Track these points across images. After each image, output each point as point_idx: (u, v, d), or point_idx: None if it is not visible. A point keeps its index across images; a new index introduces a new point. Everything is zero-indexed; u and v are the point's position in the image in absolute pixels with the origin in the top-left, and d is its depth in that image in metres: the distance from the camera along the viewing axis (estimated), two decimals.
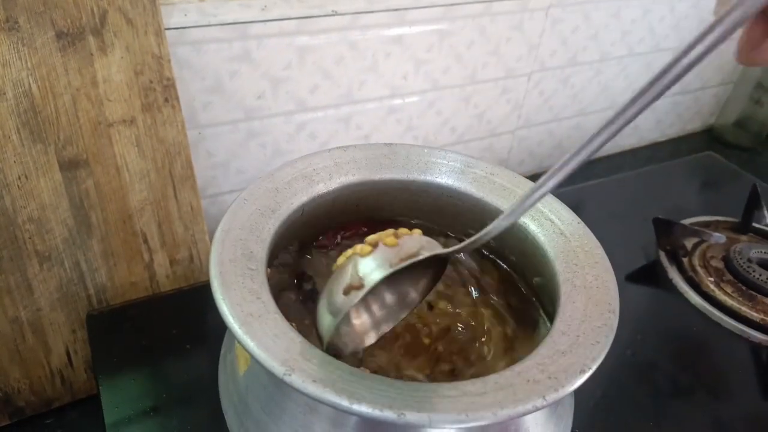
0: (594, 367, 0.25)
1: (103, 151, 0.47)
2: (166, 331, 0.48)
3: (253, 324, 0.25)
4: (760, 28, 0.26)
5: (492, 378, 0.25)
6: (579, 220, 0.34)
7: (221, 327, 0.37)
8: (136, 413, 0.41)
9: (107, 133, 0.47)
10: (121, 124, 0.47)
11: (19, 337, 0.47)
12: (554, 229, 0.34)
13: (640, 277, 0.58)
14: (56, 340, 0.49)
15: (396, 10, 0.58)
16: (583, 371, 0.25)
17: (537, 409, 0.23)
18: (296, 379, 0.23)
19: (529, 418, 0.29)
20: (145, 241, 0.51)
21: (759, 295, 0.54)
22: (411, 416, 0.22)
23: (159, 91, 0.48)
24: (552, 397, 0.24)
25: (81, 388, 0.51)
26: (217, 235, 0.30)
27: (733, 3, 0.22)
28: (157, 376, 0.44)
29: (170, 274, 0.53)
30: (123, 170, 0.48)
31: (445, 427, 0.25)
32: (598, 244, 0.33)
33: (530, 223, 0.35)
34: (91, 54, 0.44)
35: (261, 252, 0.30)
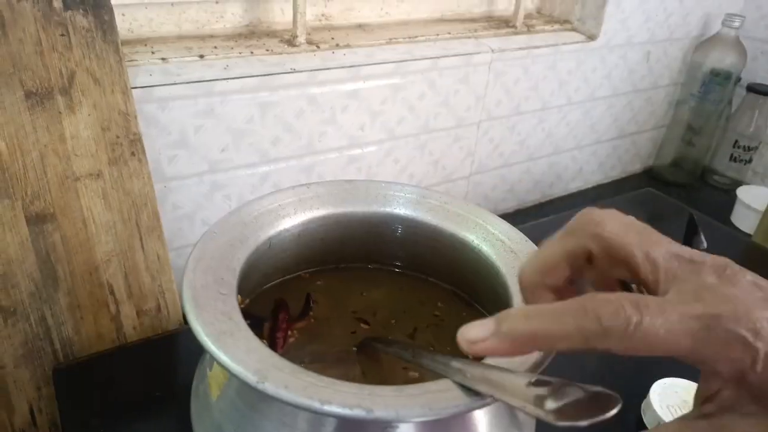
0: (547, 361, 0.27)
1: (70, 204, 0.48)
2: (134, 381, 0.48)
3: (226, 340, 0.27)
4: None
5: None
6: (526, 238, 0.37)
7: (191, 372, 0.38)
8: None
9: (74, 186, 0.48)
10: (88, 177, 0.49)
11: None
12: (504, 248, 0.36)
13: None
14: (20, 398, 0.48)
15: (350, 66, 0.63)
16: (536, 366, 0.27)
17: (496, 401, 0.25)
18: (270, 386, 0.25)
19: (491, 423, 0.30)
20: (112, 292, 0.51)
21: None
22: (379, 412, 0.24)
23: (125, 145, 0.50)
24: None
25: None
26: (189, 263, 0.31)
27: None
28: (128, 428, 0.44)
29: (137, 325, 0.53)
30: (89, 222, 0.49)
31: (412, 421, 0.27)
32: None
33: (483, 245, 0.37)
34: (60, 112, 0.46)
35: (231, 279, 0.32)
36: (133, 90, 0.49)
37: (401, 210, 0.40)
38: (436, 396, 0.25)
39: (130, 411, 0.45)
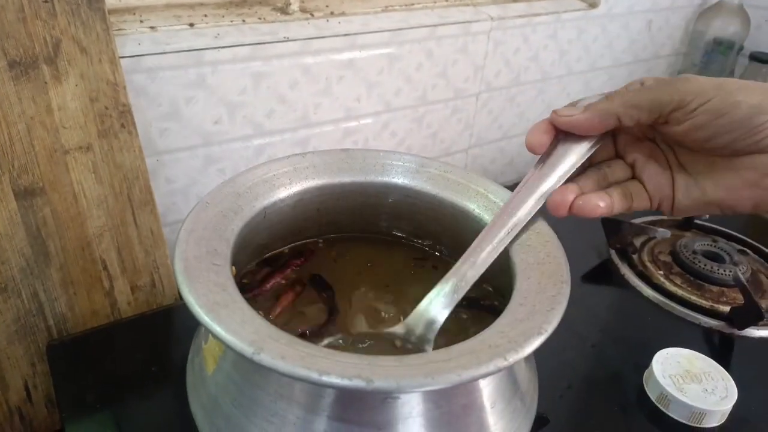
0: (550, 330, 0.26)
1: (59, 178, 0.47)
2: (129, 356, 0.47)
3: (220, 312, 0.26)
4: (592, 180, 0.34)
5: (456, 347, 0.26)
6: None
7: (187, 347, 0.37)
8: None
9: (63, 160, 0.47)
10: (78, 150, 0.47)
11: None
12: None
13: (595, 276, 0.60)
14: (14, 375, 0.48)
15: (345, 35, 0.61)
16: (540, 333, 0.26)
17: (499, 370, 0.24)
18: (266, 357, 0.24)
19: (494, 391, 0.30)
20: (105, 268, 0.50)
21: (706, 284, 0.57)
22: (379, 382, 0.23)
23: (115, 117, 0.48)
24: (513, 357, 0.25)
25: (41, 424, 0.50)
26: (181, 234, 0.30)
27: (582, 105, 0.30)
28: (124, 404, 0.43)
29: (132, 300, 0.52)
30: (80, 197, 0.48)
31: (413, 391, 0.26)
32: (548, 226, 0.34)
33: (484, 214, 0.36)
34: (45, 82, 0.45)
35: (225, 250, 0.31)
36: (121, 60, 0.48)
37: (399, 179, 0.39)
38: (438, 366, 0.24)
39: (125, 386, 0.44)
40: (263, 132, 0.61)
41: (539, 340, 0.26)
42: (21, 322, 0.47)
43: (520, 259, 0.32)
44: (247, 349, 0.24)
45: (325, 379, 0.23)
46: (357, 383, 0.23)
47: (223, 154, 0.60)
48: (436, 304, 0.31)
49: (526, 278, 0.31)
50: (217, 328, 0.25)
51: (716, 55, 0.93)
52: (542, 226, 0.34)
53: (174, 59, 0.52)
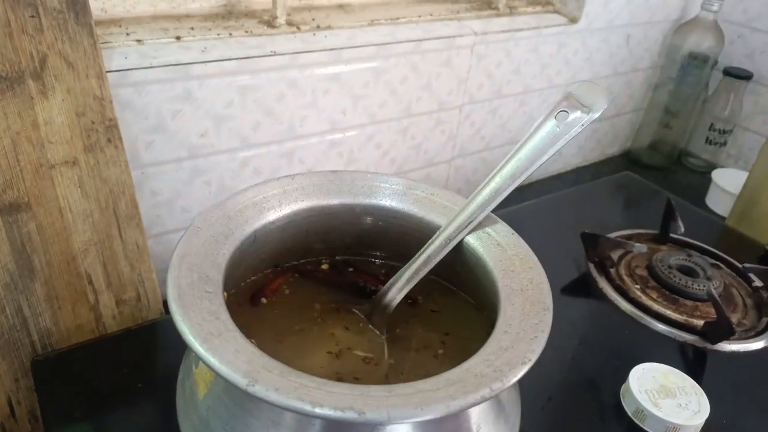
0: (534, 359, 0.28)
1: (45, 193, 0.47)
2: (115, 372, 0.47)
3: (213, 341, 0.26)
4: None
5: (443, 376, 0.27)
6: (513, 231, 0.37)
7: (173, 362, 0.37)
8: None
9: (49, 175, 0.47)
10: (64, 165, 0.47)
11: None
12: (491, 241, 0.37)
13: (574, 289, 0.62)
14: None
15: (332, 49, 0.61)
16: (524, 363, 0.27)
17: (485, 399, 0.25)
18: (260, 389, 0.24)
19: (479, 415, 0.31)
20: (90, 282, 0.50)
21: (681, 298, 0.59)
22: (371, 414, 0.24)
23: (101, 131, 0.48)
24: (498, 387, 0.26)
25: None
26: (173, 260, 0.30)
27: None
28: (110, 420, 0.43)
29: (117, 315, 0.52)
30: (66, 211, 0.48)
31: (403, 422, 0.27)
32: (531, 251, 0.36)
33: (470, 238, 0.37)
34: (32, 97, 0.45)
35: (217, 276, 0.31)
36: (108, 74, 0.48)
37: (387, 201, 0.40)
38: (428, 396, 0.25)
39: (111, 403, 0.44)
40: (249, 144, 0.61)
41: (523, 370, 0.27)
42: (5, 337, 0.47)
43: (504, 285, 0.33)
44: (241, 381, 0.25)
45: (318, 411, 0.24)
46: (349, 415, 0.24)
47: (209, 166, 0.60)
48: (394, 289, 0.38)
49: (510, 304, 0.32)
50: (212, 360, 0.25)
51: (692, 69, 0.95)
52: (524, 250, 0.36)
53: (161, 73, 0.53)
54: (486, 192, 0.36)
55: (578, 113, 0.34)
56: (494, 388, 0.26)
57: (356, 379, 0.34)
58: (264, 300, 0.38)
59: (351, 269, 0.42)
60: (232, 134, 0.60)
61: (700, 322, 0.56)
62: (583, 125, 0.34)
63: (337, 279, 0.41)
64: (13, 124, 0.44)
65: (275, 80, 0.59)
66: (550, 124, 0.34)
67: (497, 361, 0.27)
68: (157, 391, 0.45)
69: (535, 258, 0.35)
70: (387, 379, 0.34)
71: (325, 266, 0.42)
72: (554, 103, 0.36)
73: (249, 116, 0.60)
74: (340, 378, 0.34)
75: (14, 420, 0.49)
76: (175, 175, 0.58)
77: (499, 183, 0.36)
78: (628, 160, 1.07)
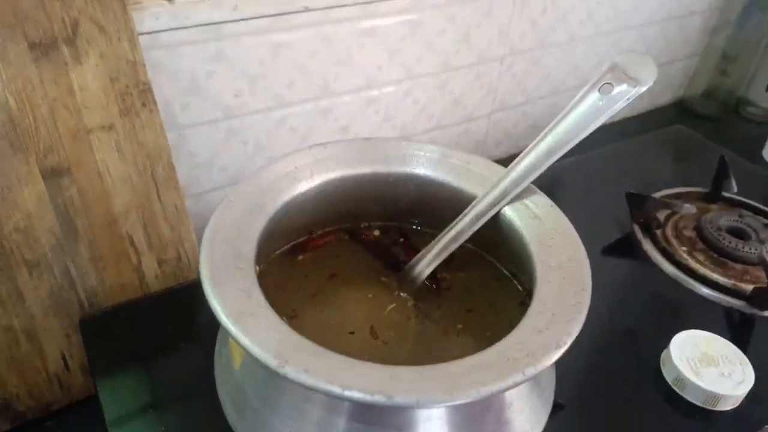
0: (569, 343, 0.27)
1: (84, 158, 0.47)
2: (159, 330, 0.49)
3: (246, 320, 0.27)
4: None
5: (474, 358, 0.27)
6: (552, 203, 0.36)
7: (214, 323, 0.38)
8: (136, 410, 0.43)
9: (87, 140, 0.47)
10: (100, 130, 0.48)
11: (14, 345, 0.48)
12: (529, 213, 0.35)
13: (616, 250, 0.60)
14: (51, 345, 0.50)
15: (366, 3, 0.59)
16: (558, 347, 0.27)
17: (517, 385, 0.25)
18: (290, 371, 0.25)
19: (512, 392, 0.30)
20: (132, 243, 0.52)
21: (730, 262, 0.57)
22: (400, 398, 0.24)
23: (135, 95, 0.48)
24: (530, 372, 0.25)
25: (79, 390, 0.52)
26: (206, 236, 0.31)
27: None
28: (154, 374, 0.45)
29: (159, 274, 0.54)
30: (105, 176, 0.49)
31: (432, 407, 0.27)
32: (571, 225, 0.34)
33: (506, 209, 0.36)
34: (66, 63, 0.45)
35: (249, 251, 0.31)
36: (140, 36, 0.47)
37: (421, 170, 0.39)
38: (458, 380, 0.25)
39: (156, 357, 0.46)
40: (284, 103, 0.61)
41: (557, 354, 0.26)
42: (54, 296, 0.49)
43: (540, 260, 0.32)
44: (272, 362, 0.25)
45: (347, 393, 0.24)
46: (378, 399, 0.24)
47: (245, 126, 0.60)
48: (422, 263, 0.38)
49: (546, 282, 0.31)
50: (244, 340, 0.26)
51: (753, 11, 0.88)
52: (564, 224, 0.34)
53: (193, 34, 0.52)
54: (520, 168, 0.35)
55: (624, 86, 0.32)
56: (527, 374, 0.25)
57: (385, 344, 0.34)
58: (304, 255, 0.39)
59: (402, 240, 0.42)
60: (267, 93, 0.59)
61: (749, 287, 0.54)
62: (628, 99, 0.31)
63: (384, 245, 0.41)
64: (50, 91, 0.44)
65: (308, 36, 0.58)
66: (593, 98, 0.32)
67: (530, 344, 0.27)
68: (197, 348, 0.47)
69: (575, 232, 0.34)
70: (416, 347, 0.35)
71: (376, 232, 0.42)
72: (603, 53, 0.33)
73: (283, 74, 0.59)
74: (373, 333, 0.34)
75: (68, 372, 0.51)
76: (212, 136, 0.58)
77: (534, 159, 0.34)
78: (680, 109, 1.01)
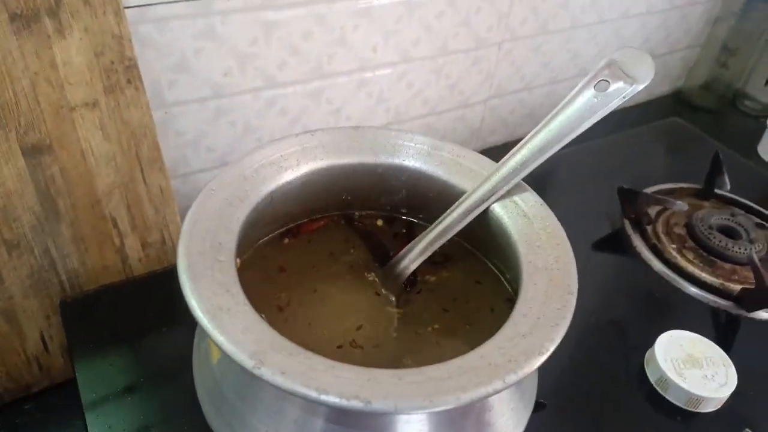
0: (551, 349, 0.26)
1: (66, 135, 0.46)
2: (140, 314, 0.48)
3: (222, 317, 0.26)
4: None
5: (455, 362, 0.26)
6: (542, 201, 0.35)
7: None
8: (113, 394, 0.42)
9: (70, 117, 0.46)
10: (84, 107, 0.46)
11: None
12: (518, 210, 0.35)
13: (606, 245, 0.60)
14: (30, 327, 0.49)
15: None
16: (541, 353, 0.26)
17: (497, 392, 0.25)
18: (266, 372, 0.24)
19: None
20: (115, 225, 0.51)
21: (719, 261, 0.57)
22: (377, 404, 0.23)
23: (121, 72, 0.47)
24: (511, 379, 0.25)
25: (58, 372, 0.52)
26: (185, 227, 0.30)
27: None
28: (134, 359, 0.45)
29: (143, 257, 0.53)
30: (88, 154, 0.47)
31: (410, 413, 0.27)
32: (560, 225, 0.33)
33: (495, 206, 0.35)
34: (48, 36, 0.43)
35: (230, 243, 0.30)
36: (126, 10, 0.46)
37: (410, 162, 0.38)
38: (438, 385, 0.25)
39: (136, 341, 0.45)
40: (275, 83, 0.59)
41: (539, 361, 0.26)
42: (34, 277, 0.48)
43: (527, 261, 0.32)
44: (247, 363, 0.24)
45: (324, 398, 0.24)
46: (355, 404, 0.23)
47: (234, 105, 0.58)
48: (407, 259, 0.37)
49: (532, 284, 0.30)
50: (220, 338, 0.25)
51: (757, 3, 0.87)
52: (553, 224, 0.34)
53: (182, 8, 0.50)
54: (511, 164, 0.34)
55: (620, 84, 0.31)
56: (507, 381, 0.25)
57: (366, 343, 0.34)
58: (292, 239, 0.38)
59: (405, 230, 0.41)
60: (257, 73, 0.57)
61: (737, 288, 0.53)
62: (624, 97, 0.30)
63: (377, 236, 0.41)
64: (32, 64, 0.43)
65: (301, 16, 0.56)
66: (588, 94, 0.31)
67: (513, 349, 0.26)
68: (178, 334, 0.46)
69: (564, 233, 0.33)
70: (397, 346, 0.34)
71: (379, 222, 0.41)
72: (604, 41, 0.32)
73: (274, 54, 0.57)
74: (357, 332, 0.34)
75: (48, 354, 0.51)
76: (200, 115, 0.57)
77: (526, 155, 0.33)
78: (677, 100, 1.00)
